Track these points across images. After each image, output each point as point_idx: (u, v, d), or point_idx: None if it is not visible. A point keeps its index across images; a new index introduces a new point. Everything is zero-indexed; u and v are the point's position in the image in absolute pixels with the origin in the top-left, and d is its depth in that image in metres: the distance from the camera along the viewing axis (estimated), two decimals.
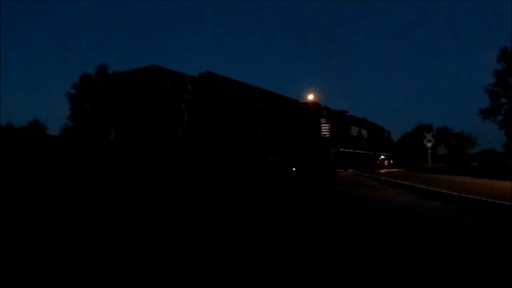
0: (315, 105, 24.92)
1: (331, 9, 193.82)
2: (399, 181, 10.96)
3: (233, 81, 17.09)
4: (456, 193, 6.62)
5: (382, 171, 25.04)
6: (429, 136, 23.86)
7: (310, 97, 25.93)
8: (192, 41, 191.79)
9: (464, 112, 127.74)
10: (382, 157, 35.67)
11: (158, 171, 11.95)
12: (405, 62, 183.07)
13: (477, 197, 5.88)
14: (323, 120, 25.21)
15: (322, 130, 25.02)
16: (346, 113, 29.64)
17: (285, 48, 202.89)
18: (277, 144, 19.62)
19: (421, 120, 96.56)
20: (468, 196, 6.18)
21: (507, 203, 5.05)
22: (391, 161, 37.66)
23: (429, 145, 23.42)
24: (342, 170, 24.84)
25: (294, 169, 21.22)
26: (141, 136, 12.49)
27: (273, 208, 6.06)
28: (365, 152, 31.07)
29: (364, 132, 31.79)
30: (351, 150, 28.14)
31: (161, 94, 13.10)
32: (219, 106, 15.60)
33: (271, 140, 19.08)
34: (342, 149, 26.64)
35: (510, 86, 34.62)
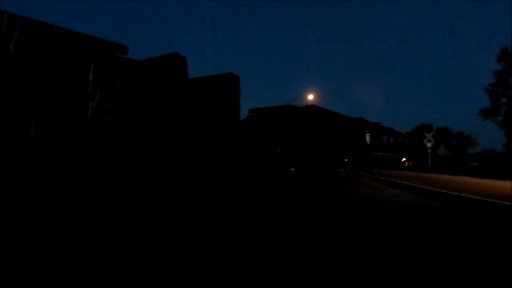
0: (361, 120, 33.57)
1: (330, 8, 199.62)
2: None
3: (322, 108, 25.54)
4: (456, 193, 6.77)
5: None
6: (429, 136, 24.09)
7: (310, 97, 30.42)
8: (193, 39, 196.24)
9: (464, 112, 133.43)
10: (404, 159, 44.36)
11: (298, 170, 20.51)
12: (405, 62, 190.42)
13: (477, 197, 5.97)
14: (366, 131, 33.85)
15: (366, 139, 33.67)
16: (379, 124, 38.29)
17: (283, 47, 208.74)
18: (344, 150, 28.17)
19: (421, 120, 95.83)
20: (468, 196, 6.28)
21: (507, 203, 5.15)
22: (410, 163, 46.31)
23: (429, 145, 23.66)
24: (378, 169, 33.39)
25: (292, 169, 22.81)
26: (288, 152, 21.06)
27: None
28: (392, 155, 39.72)
29: (391, 139, 40.51)
30: (384, 154, 36.77)
31: (294, 123, 21.55)
32: (319, 128, 24.07)
33: (342, 147, 27.62)
34: (379, 153, 35.26)
35: (510, 86, 33.67)
